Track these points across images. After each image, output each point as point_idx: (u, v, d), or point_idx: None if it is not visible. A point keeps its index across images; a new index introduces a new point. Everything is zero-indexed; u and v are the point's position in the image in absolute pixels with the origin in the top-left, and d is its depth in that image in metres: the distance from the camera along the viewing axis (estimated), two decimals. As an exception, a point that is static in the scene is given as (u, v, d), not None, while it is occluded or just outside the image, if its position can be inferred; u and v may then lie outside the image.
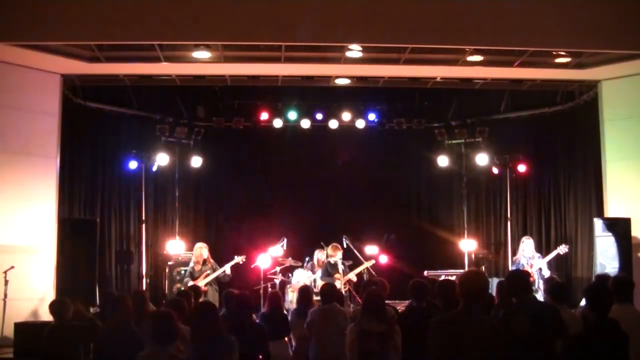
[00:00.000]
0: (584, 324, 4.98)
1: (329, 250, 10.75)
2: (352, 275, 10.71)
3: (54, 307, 6.26)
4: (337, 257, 10.64)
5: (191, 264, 10.42)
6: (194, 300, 7.24)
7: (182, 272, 11.10)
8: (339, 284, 10.07)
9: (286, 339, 7.24)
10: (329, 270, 10.67)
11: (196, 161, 12.75)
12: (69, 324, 6.13)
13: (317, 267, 10.99)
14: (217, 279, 10.23)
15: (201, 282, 9.94)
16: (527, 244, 10.56)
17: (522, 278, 4.91)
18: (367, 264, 10.84)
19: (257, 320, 6.89)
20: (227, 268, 10.23)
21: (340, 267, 10.57)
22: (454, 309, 5.15)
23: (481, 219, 13.21)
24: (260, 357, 5.89)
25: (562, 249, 10.56)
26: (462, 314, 4.09)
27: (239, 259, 10.47)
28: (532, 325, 4.39)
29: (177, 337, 4.53)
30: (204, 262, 10.32)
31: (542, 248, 11.59)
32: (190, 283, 9.86)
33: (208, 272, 10.19)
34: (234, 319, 5.91)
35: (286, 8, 8.87)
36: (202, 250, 10.38)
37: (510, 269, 11.07)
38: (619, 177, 10.74)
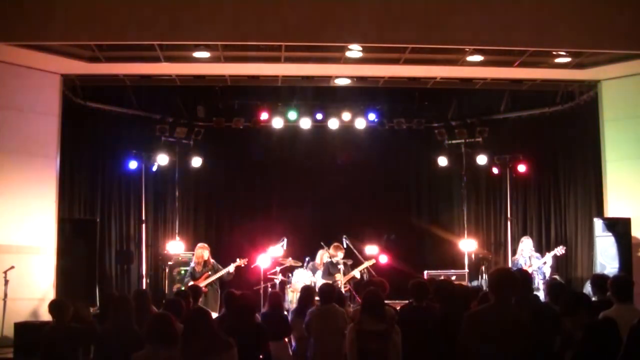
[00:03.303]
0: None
1: (331, 250, 10.75)
2: (356, 273, 10.71)
3: (52, 307, 6.26)
4: (339, 257, 10.65)
5: (192, 265, 10.44)
6: (193, 300, 7.23)
7: (182, 272, 11.12)
8: (339, 284, 10.07)
9: (286, 339, 7.23)
10: (330, 270, 10.67)
11: (196, 161, 12.75)
12: (67, 325, 6.12)
13: (319, 268, 10.99)
14: (219, 278, 10.26)
15: (202, 283, 9.94)
16: (526, 244, 10.62)
17: (523, 277, 4.92)
18: (368, 263, 10.84)
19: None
20: (231, 268, 10.27)
21: (341, 267, 10.57)
22: (453, 308, 5.16)
23: (481, 219, 13.20)
24: (261, 357, 5.87)
25: (559, 250, 10.58)
26: (494, 308, 4.29)
27: (241, 262, 10.48)
28: (532, 324, 4.41)
29: (176, 338, 4.51)
30: (205, 263, 10.34)
31: (542, 248, 11.58)
32: (191, 283, 9.85)
33: (209, 273, 10.21)
34: (235, 320, 5.90)
35: (286, 8, 8.87)
36: (203, 251, 10.40)
37: (509, 269, 11.07)
38: (619, 177, 10.72)
